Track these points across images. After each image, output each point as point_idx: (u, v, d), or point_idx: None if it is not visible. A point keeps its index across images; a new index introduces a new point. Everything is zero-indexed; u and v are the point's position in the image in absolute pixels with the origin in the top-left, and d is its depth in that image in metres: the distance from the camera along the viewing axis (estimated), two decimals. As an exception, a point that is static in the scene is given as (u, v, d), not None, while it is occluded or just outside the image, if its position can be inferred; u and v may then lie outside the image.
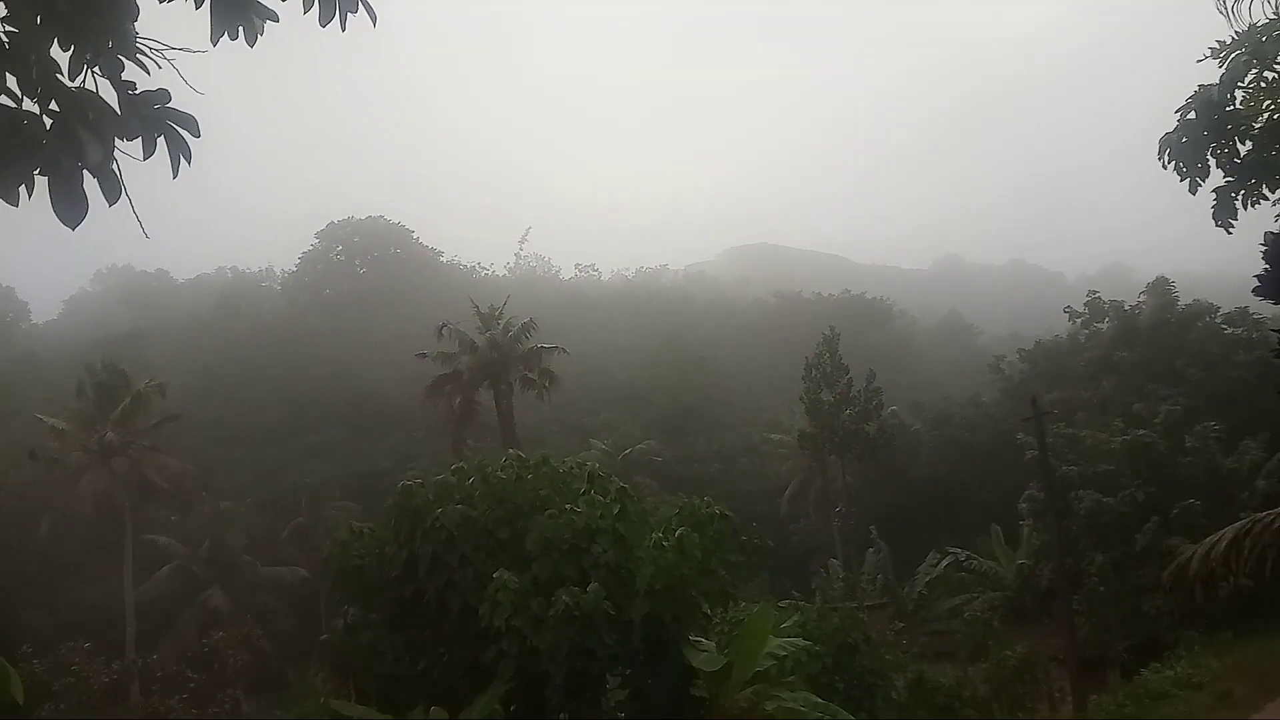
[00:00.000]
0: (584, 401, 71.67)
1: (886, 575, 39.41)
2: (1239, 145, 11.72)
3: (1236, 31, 10.07)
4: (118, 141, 3.33)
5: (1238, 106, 11.68)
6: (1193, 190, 11.83)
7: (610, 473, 12.67)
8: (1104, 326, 52.73)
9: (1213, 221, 12.14)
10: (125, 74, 3.48)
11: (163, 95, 3.54)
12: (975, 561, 39.73)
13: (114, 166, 3.28)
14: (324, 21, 3.89)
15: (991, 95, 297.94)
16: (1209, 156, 11.82)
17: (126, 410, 41.77)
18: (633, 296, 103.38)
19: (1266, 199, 11.18)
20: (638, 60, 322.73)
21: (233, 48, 3.72)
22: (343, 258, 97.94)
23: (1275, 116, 10.77)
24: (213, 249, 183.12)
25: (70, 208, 3.22)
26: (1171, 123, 12.05)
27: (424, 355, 47.56)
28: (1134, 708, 19.44)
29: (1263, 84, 10.76)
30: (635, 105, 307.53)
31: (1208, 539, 10.25)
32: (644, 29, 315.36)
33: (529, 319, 47.22)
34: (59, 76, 3.27)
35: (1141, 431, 35.03)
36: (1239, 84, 10.50)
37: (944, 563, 38.99)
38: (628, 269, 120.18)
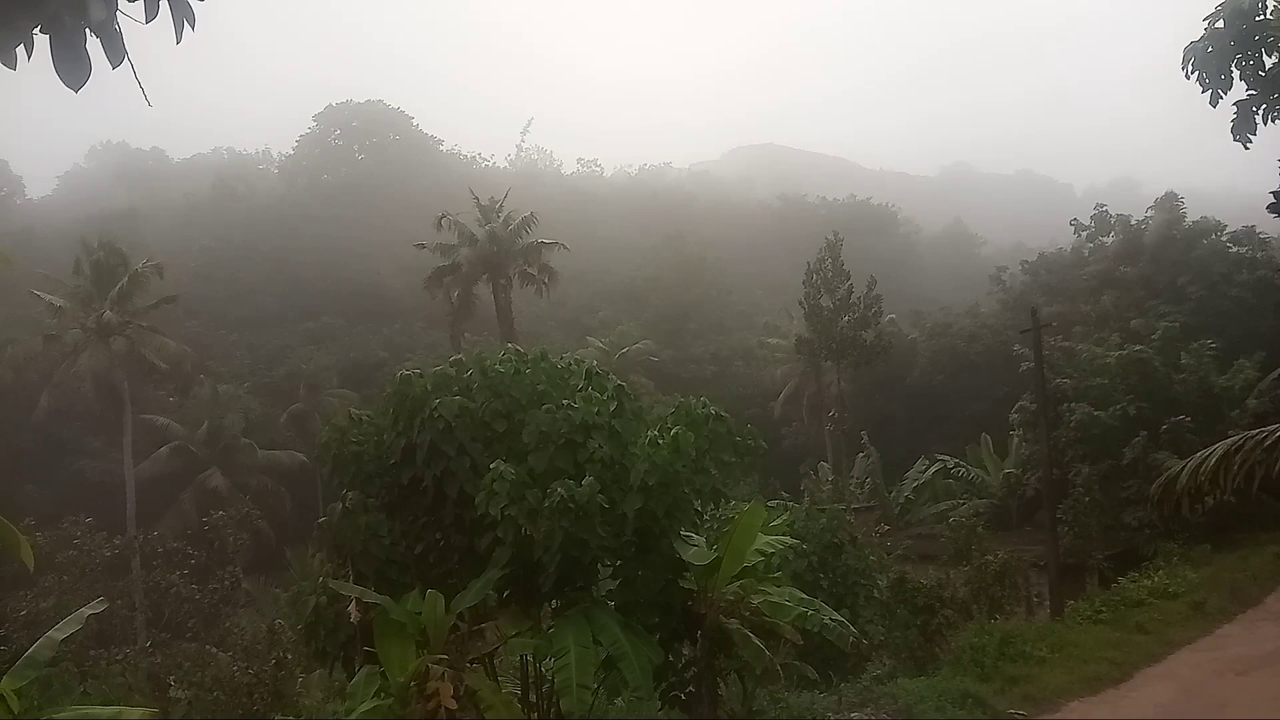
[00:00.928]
0: (582, 299, 71.60)
1: (875, 480, 40.04)
2: (1265, 57, 11.39)
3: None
4: (120, 4, 3.19)
5: (1268, 17, 11.31)
6: (1213, 102, 11.55)
7: (608, 371, 12.70)
8: (1109, 240, 52.33)
9: (1231, 136, 11.89)
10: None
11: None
12: (963, 469, 40.35)
13: (117, 26, 3.15)
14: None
15: (1010, 1, 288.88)
16: (1233, 68, 11.51)
17: (124, 290, 41.61)
18: (635, 194, 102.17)
19: (1288, 114, 10.96)
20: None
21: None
22: (340, 142, 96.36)
23: (1307, 28, 10.46)
24: (208, 129, 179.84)
25: (73, 68, 3.10)
26: (1196, 37, 11.69)
27: (422, 246, 47.18)
28: (1110, 613, 20.00)
29: (1297, -7, 10.42)
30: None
31: (1198, 454, 10.36)
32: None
33: (529, 213, 46.67)
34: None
35: (1138, 347, 35.13)
36: (1273, -7, 10.17)
37: (932, 469, 39.58)
38: (630, 166, 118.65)
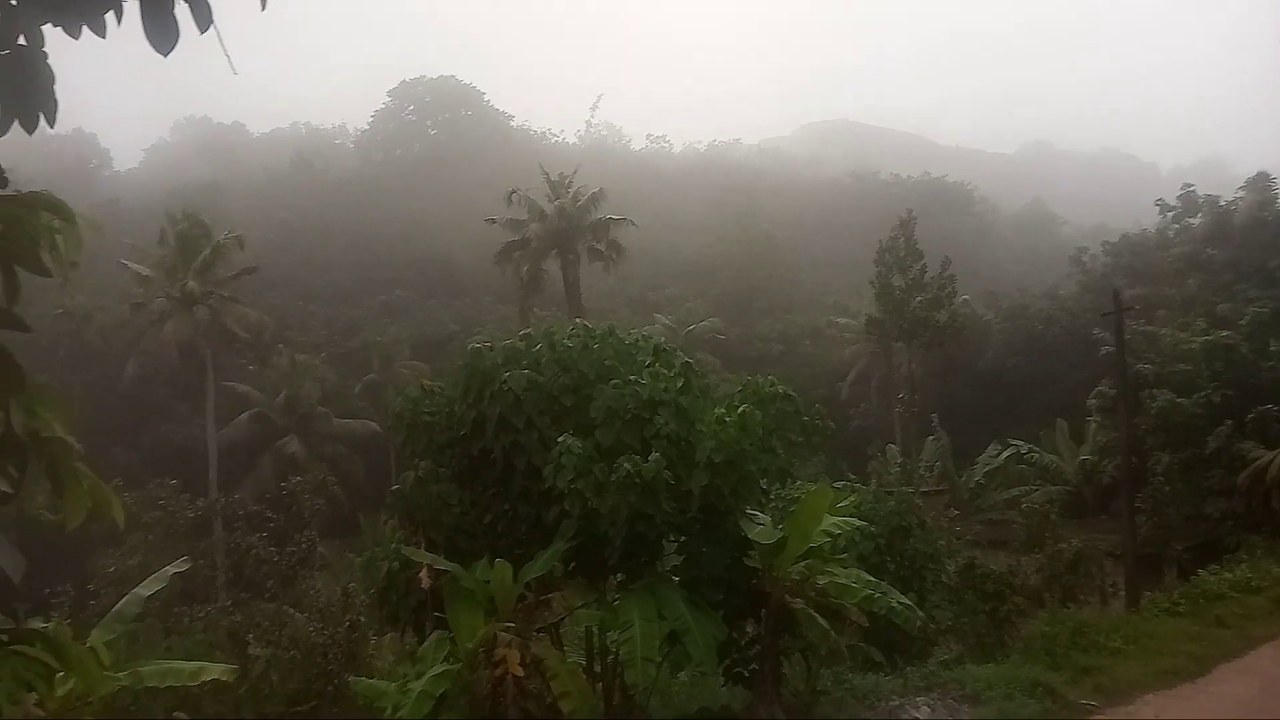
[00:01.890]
0: (649, 275, 71.53)
1: (945, 463, 39.41)
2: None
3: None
4: None
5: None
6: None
7: (675, 347, 12.69)
8: (1196, 222, 50.46)
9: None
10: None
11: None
12: (1037, 455, 39.49)
13: None
14: None
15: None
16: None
17: (207, 260, 42.87)
18: (704, 170, 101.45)
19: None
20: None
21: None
22: (414, 117, 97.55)
23: None
24: (286, 104, 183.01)
25: (162, 32, 3.16)
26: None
27: (493, 221, 47.64)
28: (1188, 606, 19.41)
29: None
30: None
31: (1289, 445, 9.96)
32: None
33: (598, 189, 46.75)
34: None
35: (1225, 333, 33.90)
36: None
37: (1004, 454, 38.80)
38: (700, 142, 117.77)
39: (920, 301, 43.98)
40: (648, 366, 11.11)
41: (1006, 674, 13.24)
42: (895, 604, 10.74)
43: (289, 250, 69.03)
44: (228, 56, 3.56)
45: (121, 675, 8.61)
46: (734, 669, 11.04)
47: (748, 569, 10.77)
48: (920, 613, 11.49)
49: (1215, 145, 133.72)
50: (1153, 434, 33.11)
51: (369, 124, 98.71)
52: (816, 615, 10.50)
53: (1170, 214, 52.00)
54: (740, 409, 10.56)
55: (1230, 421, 31.12)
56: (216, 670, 9.42)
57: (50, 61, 3.16)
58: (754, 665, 10.99)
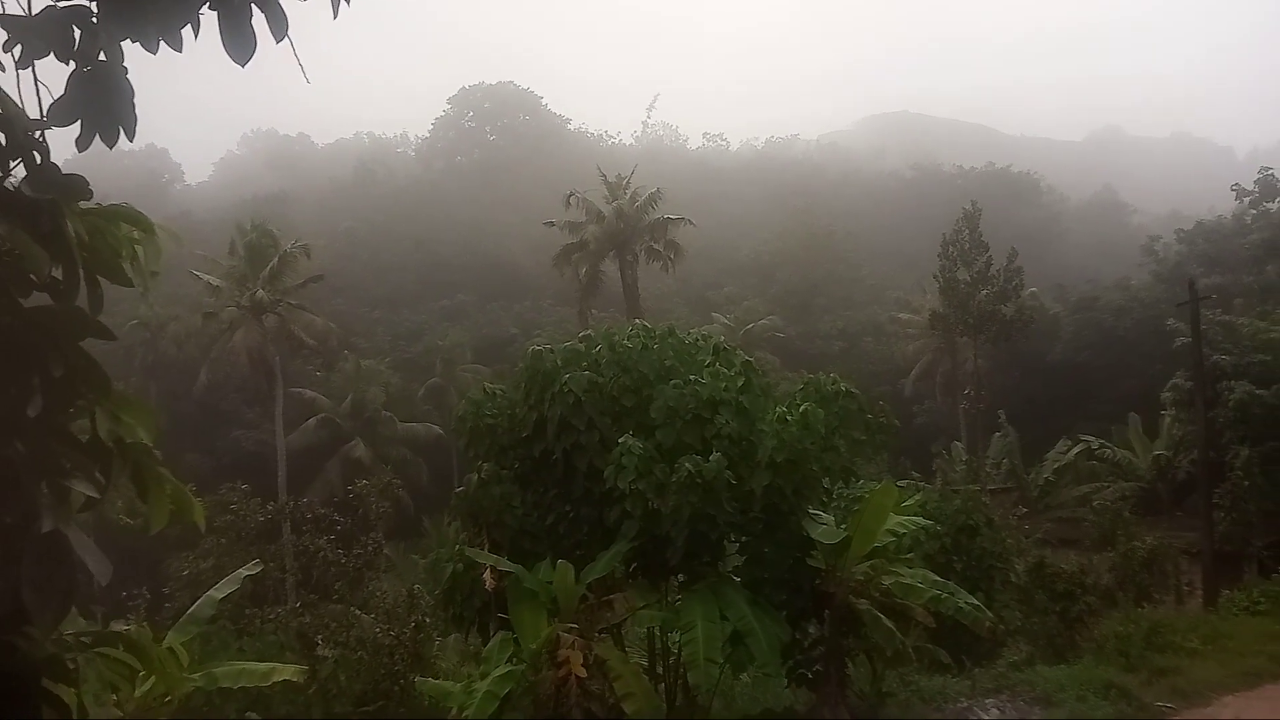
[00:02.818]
0: (708, 274, 71.43)
1: (1013, 460, 38.60)
2: None
3: None
4: None
5: None
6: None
7: (734, 346, 12.65)
8: (1274, 206, 48.65)
9: None
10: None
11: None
12: (1109, 451, 38.43)
13: (279, 1, 3.28)
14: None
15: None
16: None
17: (275, 269, 43.88)
18: (762, 167, 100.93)
19: None
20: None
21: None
22: (473, 124, 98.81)
23: None
24: (349, 116, 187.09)
25: (240, 42, 3.24)
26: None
27: (551, 224, 47.98)
28: (1269, 605, 18.75)
29: None
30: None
31: (1377, 438, 9.54)
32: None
33: (655, 189, 46.81)
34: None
35: (1307, 321, 32.66)
36: None
37: (1074, 450, 37.86)
38: (757, 139, 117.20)
39: (986, 295, 43.07)
40: (707, 366, 11.09)
41: (1079, 675, 12.94)
42: (963, 604, 10.55)
43: (354, 258, 70.43)
44: (301, 66, 3.64)
45: (197, 676, 8.84)
46: (798, 670, 10.96)
47: (811, 569, 10.68)
48: (989, 613, 11.27)
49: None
50: (1231, 427, 31.99)
51: (430, 131, 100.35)
52: (881, 616, 10.37)
53: (1247, 199, 50.23)
54: (802, 407, 10.48)
55: (1314, 413, 29.99)
56: (287, 671, 9.63)
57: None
58: (818, 666, 10.89)
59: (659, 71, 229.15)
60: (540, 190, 67.13)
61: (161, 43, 3.15)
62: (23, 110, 3.04)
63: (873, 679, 11.61)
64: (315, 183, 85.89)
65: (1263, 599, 19.39)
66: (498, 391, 11.71)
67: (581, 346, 11.60)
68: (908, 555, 11.69)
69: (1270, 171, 49.51)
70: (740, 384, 10.72)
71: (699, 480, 9.65)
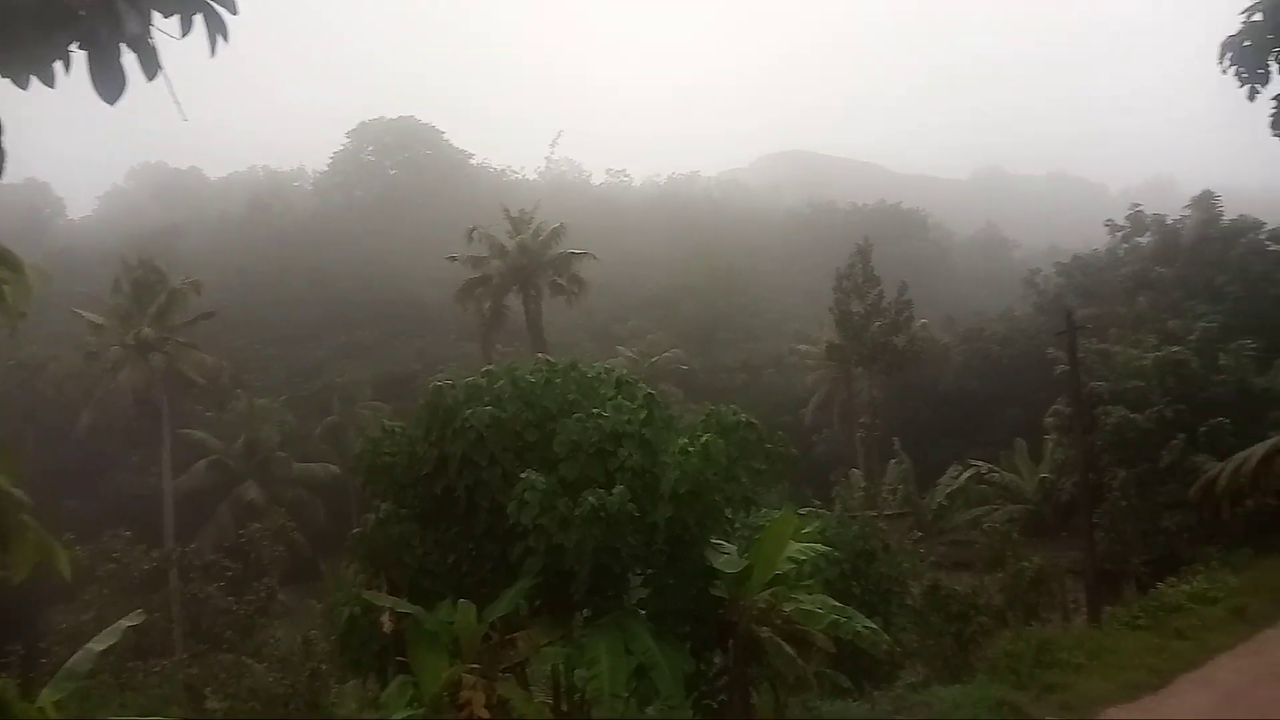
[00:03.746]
0: (612, 308, 71.72)
1: (908, 486, 39.70)
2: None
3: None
4: (155, 21, 3.26)
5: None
6: (1251, 96, 11.40)
7: (638, 379, 12.76)
8: (1145, 241, 51.61)
9: (1270, 131, 11.71)
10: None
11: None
12: (997, 475, 39.91)
13: (151, 41, 3.23)
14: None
15: (1043, 2, 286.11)
16: (1271, 61, 11.36)
17: (162, 306, 42.33)
18: (664, 204, 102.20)
19: (1327, 108, 10.74)
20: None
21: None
22: (374, 158, 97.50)
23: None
24: (243, 148, 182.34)
25: (109, 82, 3.18)
26: (1234, 30, 11.55)
27: (454, 259, 47.59)
28: (1148, 619, 19.69)
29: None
30: (669, 4, 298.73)
31: (1237, 455, 10.23)
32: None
33: (559, 224, 46.95)
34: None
35: (1175, 348, 34.61)
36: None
37: (965, 475, 39.20)
38: (659, 175, 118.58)
39: (879, 326, 44.45)
40: (611, 399, 11.16)
41: (972, 694, 13.35)
42: (861, 628, 10.80)
43: (249, 294, 68.35)
44: (177, 103, 3.59)
45: (75, 734, 8.38)
46: (703, 701, 11.03)
47: (714, 599, 10.79)
48: (886, 636, 11.58)
49: (1162, 166, 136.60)
50: (1108, 450, 33.61)
51: (328, 165, 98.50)
52: (783, 643, 10.53)
53: (1119, 234, 53.15)
54: (703, 438, 10.63)
55: (1183, 435, 31.71)
56: (175, 724, 9.23)
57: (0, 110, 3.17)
58: (722, 696, 10.98)
59: (561, 115, 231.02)
60: (443, 225, 66.53)
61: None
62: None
63: (776, 706, 11.75)
64: (207, 217, 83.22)
65: (1142, 614, 20.33)
66: (397, 429, 11.55)
67: (484, 381, 11.54)
68: (808, 582, 11.90)
69: (1140, 208, 52.57)
70: (643, 416, 10.82)
71: (602, 514, 9.68)
